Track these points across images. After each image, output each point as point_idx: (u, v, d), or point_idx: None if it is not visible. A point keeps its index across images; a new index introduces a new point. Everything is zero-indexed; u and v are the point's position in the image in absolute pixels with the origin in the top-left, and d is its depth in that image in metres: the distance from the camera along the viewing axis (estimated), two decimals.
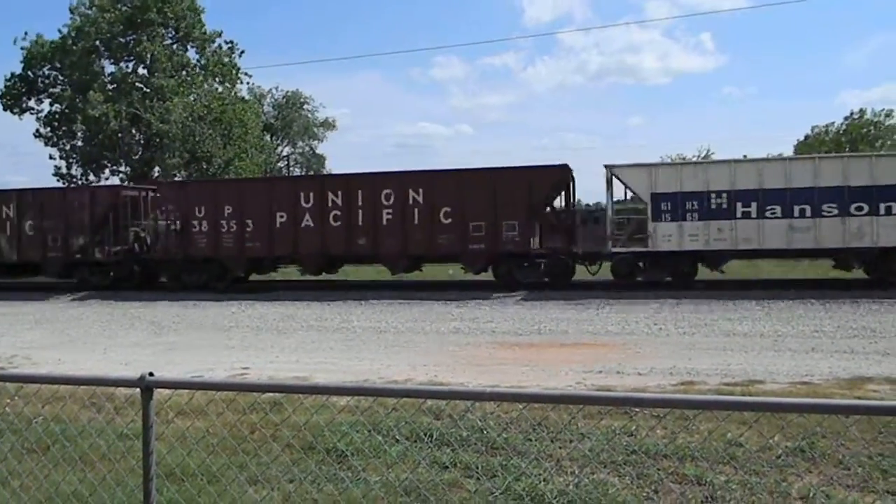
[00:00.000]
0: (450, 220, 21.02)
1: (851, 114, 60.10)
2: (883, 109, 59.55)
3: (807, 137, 60.78)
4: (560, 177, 21.48)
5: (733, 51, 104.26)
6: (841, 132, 59.17)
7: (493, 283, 21.30)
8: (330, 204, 21.88)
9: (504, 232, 20.69)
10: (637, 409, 6.69)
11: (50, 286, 24.37)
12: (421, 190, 21.31)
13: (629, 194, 21.38)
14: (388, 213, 21.49)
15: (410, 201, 21.36)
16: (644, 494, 5.35)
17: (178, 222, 23.06)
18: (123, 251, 23.63)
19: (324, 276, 23.76)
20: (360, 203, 21.72)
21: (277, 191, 22.95)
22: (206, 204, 22.80)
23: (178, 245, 22.92)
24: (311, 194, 22.08)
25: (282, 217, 22.17)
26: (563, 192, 22.10)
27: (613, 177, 20.33)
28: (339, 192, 21.91)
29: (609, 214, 20.41)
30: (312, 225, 21.94)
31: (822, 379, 9.15)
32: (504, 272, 21.20)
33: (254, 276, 24.93)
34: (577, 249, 21.12)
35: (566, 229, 21.51)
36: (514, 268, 21.05)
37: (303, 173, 57.47)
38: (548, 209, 22.12)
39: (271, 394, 6.23)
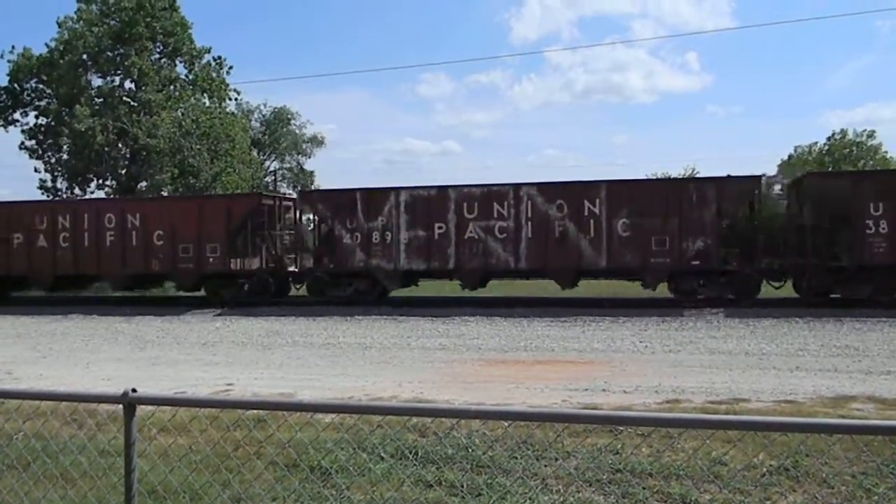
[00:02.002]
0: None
1: (833, 134, 60.84)
2: (865, 130, 60.35)
3: (790, 157, 61.41)
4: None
5: (718, 70, 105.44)
6: (824, 152, 59.83)
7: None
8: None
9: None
10: (622, 428, 6.69)
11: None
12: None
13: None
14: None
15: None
16: None
17: None
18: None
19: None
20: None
21: None
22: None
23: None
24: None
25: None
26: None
27: None
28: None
29: None
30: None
31: (806, 397, 9.19)
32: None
33: None
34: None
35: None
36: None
37: (292, 189, 57.42)
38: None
39: (255, 410, 6.19)
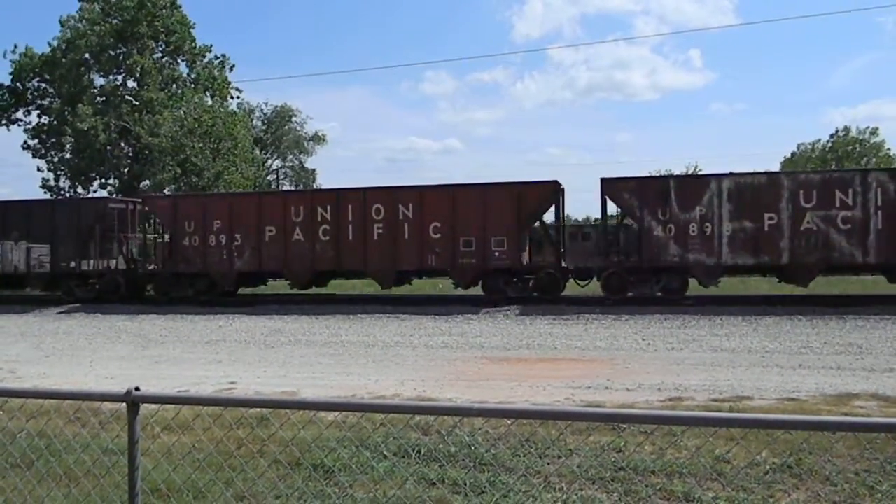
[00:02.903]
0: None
1: (837, 131, 60.80)
2: (868, 127, 60.36)
3: (793, 154, 61.37)
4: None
5: (722, 68, 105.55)
6: (827, 149, 59.77)
7: (481, 297, 21.33)
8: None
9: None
10: (625, 425, 6.69)
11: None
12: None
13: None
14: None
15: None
16: None
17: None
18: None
19: (312, 290, 23.74)
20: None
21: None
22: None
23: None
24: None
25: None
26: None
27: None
28: (329, 206, 22.01)
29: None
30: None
31: (809, 395, 9.18)
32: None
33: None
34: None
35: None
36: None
37: (293, 187, 57.48)
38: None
39: (258, 409, 6.20)
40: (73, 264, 23.27)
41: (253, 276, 23.73)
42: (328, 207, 21.96)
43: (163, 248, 23.88)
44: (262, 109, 58.18)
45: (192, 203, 23.45)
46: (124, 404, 3.45)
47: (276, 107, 58.43)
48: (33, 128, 40.27)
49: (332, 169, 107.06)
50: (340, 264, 22.02)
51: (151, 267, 24.07)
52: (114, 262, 23.81)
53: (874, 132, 59.73)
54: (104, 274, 23.54)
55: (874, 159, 57.10)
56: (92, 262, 23.40)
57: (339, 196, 22.23)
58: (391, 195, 21.66)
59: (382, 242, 21.47)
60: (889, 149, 58.80)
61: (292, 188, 56.61)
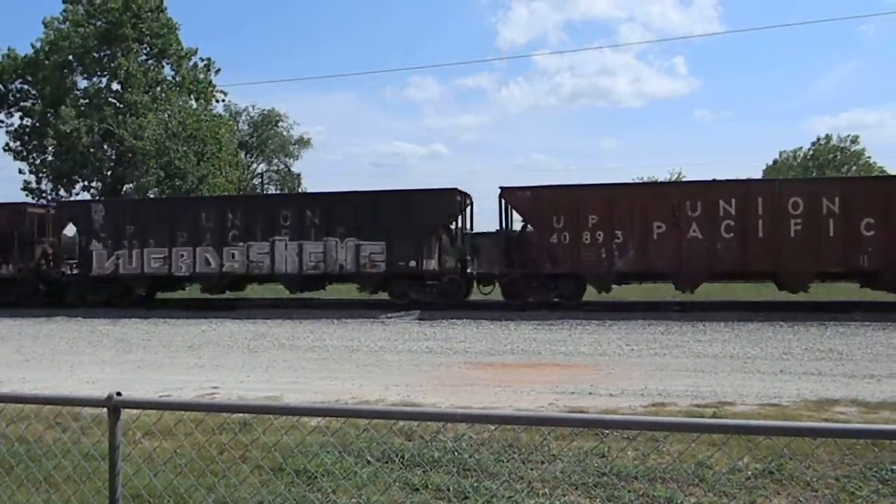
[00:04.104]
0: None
1: (818, 139, 61.41)
2: (848, 135, 60.98)
3: (775, 162, 61.91)
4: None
5: (706, 75, 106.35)
6: (808, 157, 60.34)
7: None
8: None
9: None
10: (608, 431, 6.71)
11: None
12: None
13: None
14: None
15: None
16: None
17: None
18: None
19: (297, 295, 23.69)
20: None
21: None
22: None
23: None
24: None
25: None
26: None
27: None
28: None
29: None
30: None
31: (790, 401, 9.25)
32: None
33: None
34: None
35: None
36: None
37: (279, 191, 57.30)
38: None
39: (241, 414, 6.17)
40: (412, 263, 21.45)
41: (636, 276, 21.17)
42: (732, 202, 19.64)
43: (527, 247, 21.19)
44: (248, 113, 58.04)
45: (560, 196, 20.85)
46: (105, 409, 3.42)
47: (263, 111, 58.32)
48: (15, 130, 39.93)
49: (318, 173, 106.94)
50: (749, 265, 19.68)
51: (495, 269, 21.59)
52: (451, 261, 22.29)
53: (855, 140, 60.44)
54: (442, 275, 21.64)
55: (854, 167, 57.72)
56: (432, 261, 21.74)
57: (746, 189, 20.16)
58: (811, 187, 20.29)
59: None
60: (869, 157, 59.50)
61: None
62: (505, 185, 21.24)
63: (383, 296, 22.52)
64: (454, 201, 21.75)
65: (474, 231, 22.89)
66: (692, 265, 19.63)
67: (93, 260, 22.99)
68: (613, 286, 20.83)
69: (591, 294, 21.10)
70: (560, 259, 20.31)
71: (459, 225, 22.50)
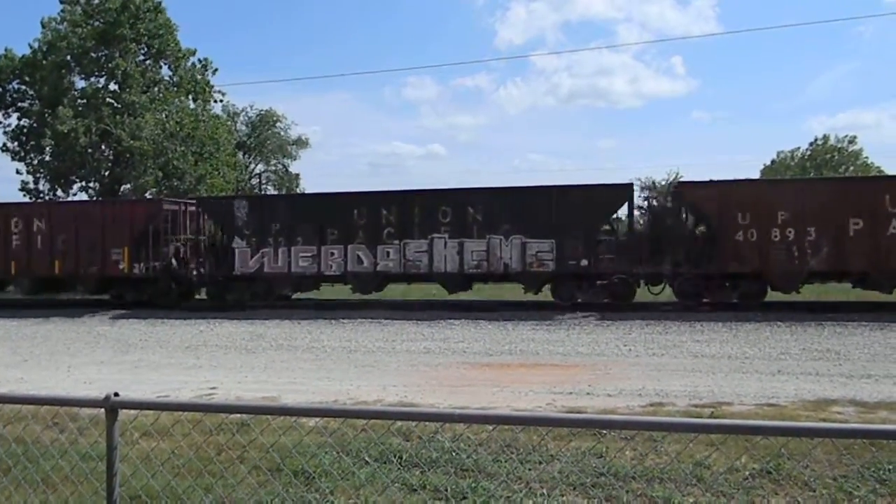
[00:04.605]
0: None
1: (815, 140, 61.47)
2: (846, 136, 61.04)
3: (773, 162, 61.96)
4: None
5: (704, 76, 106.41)
6: (805, 157, 60.40)
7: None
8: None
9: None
10: (606, 431, 6.72)
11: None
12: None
13: None
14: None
15: None
16: None
17: None
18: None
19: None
20: None
21: None
22: None
23: None
24: None
25: None
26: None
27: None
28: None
29: None
30: None
31: (788, 401, 9.26)
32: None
33: None
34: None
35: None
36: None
37: (276, 191, 57.27)
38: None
39: (238, 415, 6.16)
40: (583, 262, 20.16)
41: (829, 275, 19.99)
42: None
43: (705, 245, 20.01)
44: (247, 114, 57.96)
45: (747, 191, 19.83)
46: (103, 410, 3.42)
47: (261, 111, 58.22)
48: (12, 130, 39.85)
49: (316, 174, 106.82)
50: None
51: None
52: (617, 259, 20.53)
53: (852, 141, 60.50)
54: (611, 274, 20.29)
55: (852, 168, 57.77)
56: (601, 260, 20.47)
57: None
58: None
59: None
60: (867, 157, 59.56)
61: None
62: (685, 179, 20.36)
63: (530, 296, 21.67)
64: (624, 196, 20.73)
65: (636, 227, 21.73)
66: (891, 263, 18.55)
67: (235, 258, 21.93)
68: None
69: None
70: (744, 257, 19.20)
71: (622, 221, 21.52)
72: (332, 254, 21.41)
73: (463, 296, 21.92)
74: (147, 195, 36.37)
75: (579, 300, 20.28)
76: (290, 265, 21.66)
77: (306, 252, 21.57)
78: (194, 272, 22.91)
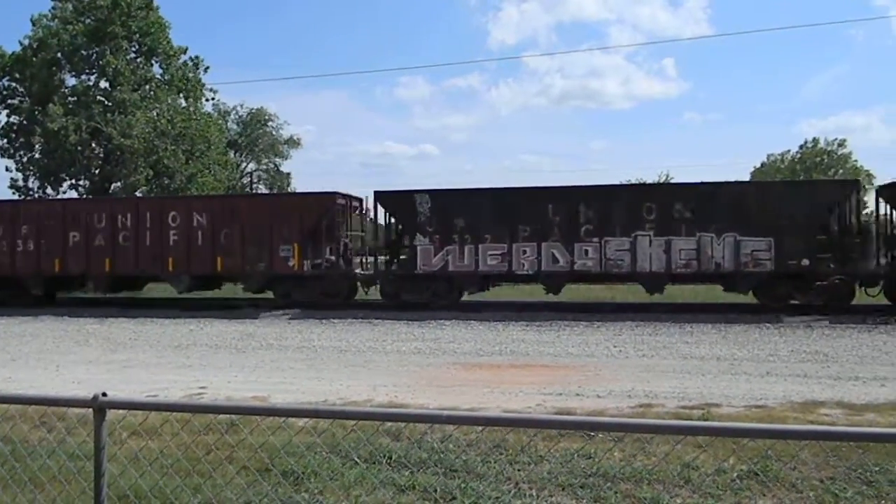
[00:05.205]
0: None
1: (805, 142, 61.74)
2: (836, 139, 61.32)
3: (763, 165, 62.21)
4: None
5: (695, 78, 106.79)
6: (796, 160, 60.66)
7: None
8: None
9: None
10: (594, 432, 6.74)
11: None
12: None
13: None
14: None
15: None
16: None
17: None
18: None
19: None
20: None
21: None
22: None
23: None
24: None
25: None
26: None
27: None
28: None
29: None
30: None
31: (776, 402, 9.31)
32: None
33: None
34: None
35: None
36: None
37: (267, 191, 57.14)
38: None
39: (227, 415, 6.15)
40: (804, 262, 18.83)
41: None
42: None
43: None
44: (237, 112, 57.84)
45: None
46: (91, 410, 3.41)
47: (252, 110, 58.13)
48: (2, 127, 39.61)
49: (307, 173, 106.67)
50: None
51: None
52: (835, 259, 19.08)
53: (842, 144, 60.81)
54: (829, 275, 18.87)
55: (841, 171, 58.06)
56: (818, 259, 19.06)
57: None
58: None
59: None
60: (856, 160, 59.87)
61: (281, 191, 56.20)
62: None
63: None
64: (849, 192, 19.60)
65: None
66: None
67: (417, 256, 20.70)
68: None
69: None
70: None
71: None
72: (525, 252, 20.31)
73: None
74: (137, 194, 36.23)
75: (795, 302, 19.21)
76: (476, 263, 20.52)
77: (496, 250, 20.43)
78: (360, 270, 22.00)
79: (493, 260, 20.37)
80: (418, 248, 20.69)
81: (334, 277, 21.61)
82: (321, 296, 21.48)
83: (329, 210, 21.55)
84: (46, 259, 22.75)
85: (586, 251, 19.96)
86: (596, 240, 19.88)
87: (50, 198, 36.91)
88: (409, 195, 21.29)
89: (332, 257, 21.73)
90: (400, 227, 21.72)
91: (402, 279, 21.15)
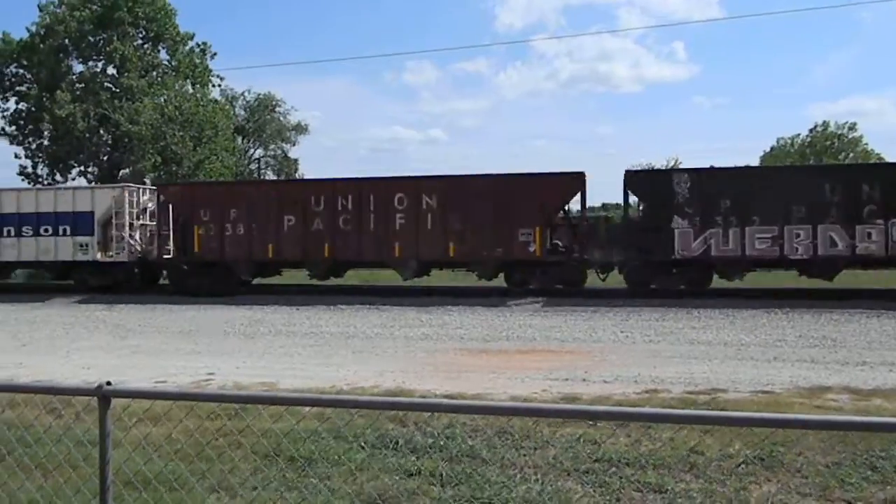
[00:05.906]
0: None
1: (815, 126, 61.19)
2: (846, 122, 60.71)
3: (772, 149, 61.75)
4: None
5: (705, 61, 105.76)
6: (806, 144, 60.18)
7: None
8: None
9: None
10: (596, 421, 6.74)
11: None
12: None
13: None
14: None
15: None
16: (605, 502, 5.40)
17: None
18: None
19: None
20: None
21: None
22: None
23: None
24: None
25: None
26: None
27: None
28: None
29: None
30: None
31: (783, 388, 9.29)
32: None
33: None
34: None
35: None
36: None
37: (276, 177, 57.18)
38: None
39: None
40: None
41: None
42: None
43: None
44: (245, 98, 57.71)
45: None
46: (95, 398, 3.43)
47: (259, 95, 57.99)
48: (11, 114, 39.76)
49: (315, 158, 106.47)
50: None
51: None
52: None
53: (853, 127, 60.21)
54: None
55: (852, 154, 57.61)
56: None
57: None
58: None
59: None
60: (867, 144, 59.36)
61: (278, 178, 56.24)
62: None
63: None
64: None
65: None
66: None
67: (675, 240, 19.33)
68: None
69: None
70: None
71: None
72: (798, 235, 18.82)
73: None
74: (146, 180, 36.33)
75: None
76: (743, 248, 19.10)
77: (765, 233, 19.03)
78: (584, 255, 20.59)
79: (761, 244, 19.04)
80: (676, 231, 19.34)
81: (571, 264, 20.62)
82: (557, 283, 20.60)
83: (574, 191, 20.50)
84: (258, 244, 21.99)
85: (869, 234, 18.59)
86: (881, 222, 18.54)
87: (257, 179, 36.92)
88: (665, 175, 20.36)
89: (564, 243, 20.82)
90: (650, 208, 20.38)
91: (650, 265, 19.92)
